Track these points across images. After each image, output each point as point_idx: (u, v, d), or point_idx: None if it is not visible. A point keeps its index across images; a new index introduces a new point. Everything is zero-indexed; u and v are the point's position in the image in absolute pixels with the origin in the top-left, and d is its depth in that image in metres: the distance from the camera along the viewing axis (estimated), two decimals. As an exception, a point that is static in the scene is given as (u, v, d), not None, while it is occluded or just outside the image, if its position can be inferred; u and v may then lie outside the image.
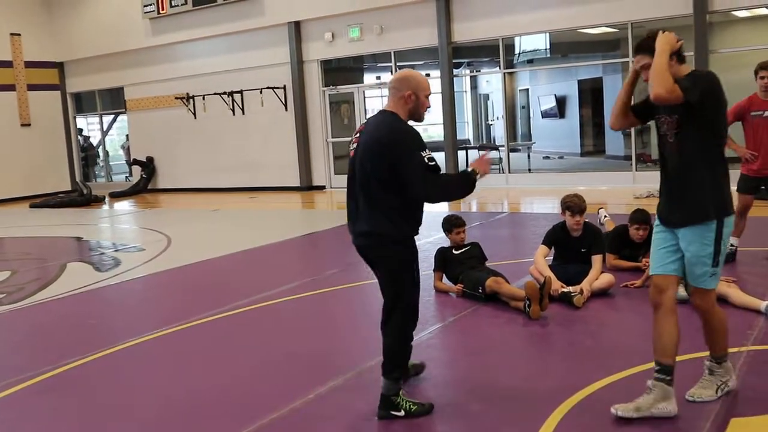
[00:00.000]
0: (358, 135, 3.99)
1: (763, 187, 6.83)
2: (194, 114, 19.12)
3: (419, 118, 3.95)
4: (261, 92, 17.65)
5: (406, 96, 3.83)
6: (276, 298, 6.73)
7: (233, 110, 18.39)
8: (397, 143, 3.74)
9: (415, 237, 4.00)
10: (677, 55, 3.62)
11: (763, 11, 13.46)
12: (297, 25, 17.09)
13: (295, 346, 5.33)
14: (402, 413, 3.89)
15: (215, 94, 18.40)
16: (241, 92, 18.11)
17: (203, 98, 18.74)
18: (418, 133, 3.83)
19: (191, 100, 19.00)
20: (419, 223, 3.99)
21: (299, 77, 17.25)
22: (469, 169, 3.91)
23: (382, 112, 3.94)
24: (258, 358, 5.12)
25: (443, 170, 3.87)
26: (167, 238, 11.09)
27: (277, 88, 17.51)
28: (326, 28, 16.79)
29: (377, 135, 3.81)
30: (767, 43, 13.41)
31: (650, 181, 12.83)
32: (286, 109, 17.60)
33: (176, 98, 19.17)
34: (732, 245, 6.93)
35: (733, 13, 13.51)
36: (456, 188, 4.01)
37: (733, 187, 4.24)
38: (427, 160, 3.71)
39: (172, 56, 19.21)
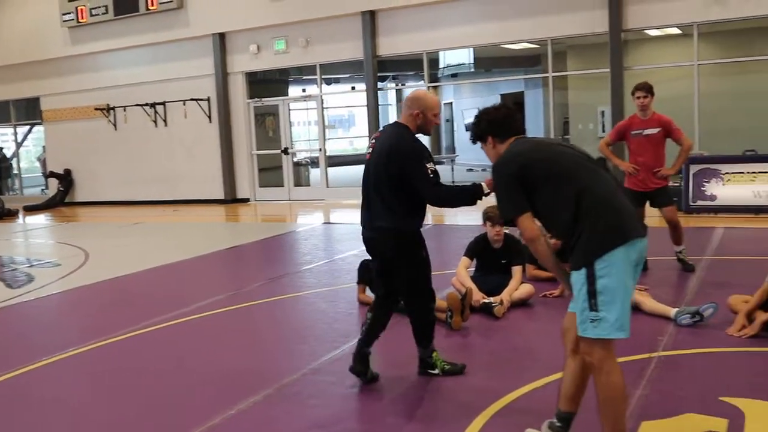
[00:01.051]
0: (374, 141, 4.51)
1: (648, 200, 7.13)
2: (114, 125, 18.68)
3: (426, 133, 4.47)
4: (185, 104, 17.39)
5: (415, 114, 4.35)
6: (197, 313, 6.61)
7: (155, 122, 18.05)
8: (406, 154, 4.25)
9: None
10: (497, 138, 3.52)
11: (673, 30, 14.04)
12: (222, 36, 16.92)
13: (215, 362, 5.24)
14: (437, 371, 4.57)
15: (137, 105, 18.04)
16: (164, 104, 17.79)
17: (124, 109, 18.33)
18: (424, 147, 4.31)
19: (112, 112, 18.57)
20: (423, 218, 4.46)
21: (224, 89, 17.07)
22: (480, 183, 4.27)
23: (396, 123, 4.47)
24: (177, 375, 5.02)
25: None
26: (85, 252, 10.78)
27: (201, 99, 17.28)
28: (251, 40, 16.67)
29: (389, 143, 4.34)
30: (677, 61, 14.02)
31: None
32: (210, 121, 17.38)
33: (96, 109, 18.70)
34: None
35: (646, 31, 14.04)
36: (459, 199, 4.38)
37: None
38: (430, 172, 4.19)
39: (92, 66, 18.74)
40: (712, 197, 10.96)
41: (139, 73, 18.01)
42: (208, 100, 17.29)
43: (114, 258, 10.43)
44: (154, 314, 6.58)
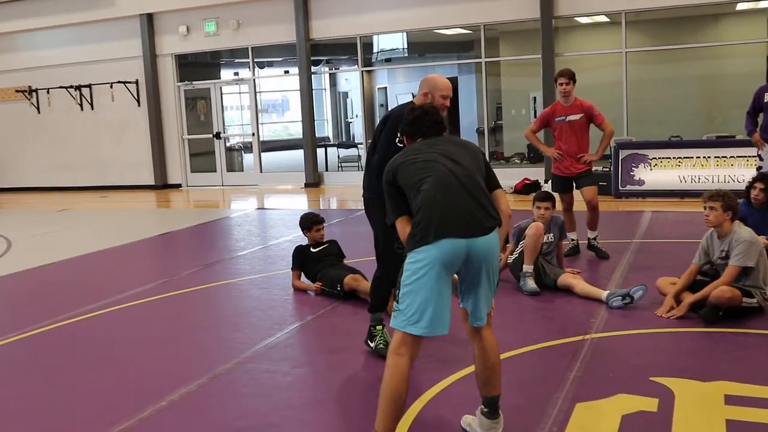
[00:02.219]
0: None
1: (574, 183, 7.27)
2: (38, 108, 18.00)
3: None
4: (111, 87, 16.88)
5: (423, 94, 4.45)
6: (126, 302, 6.42)
7: (81, 105, 17.47)
8: (385, 119, 4.58)
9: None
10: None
11: (602, 18, 14.31)
12: (150, 17, 16.46)
13: (146, 352, 5.10)
14: (372, 346, 4.65)
15: (61, 87, 17.42)
16: (89, 86, 17.23)
17: (48, 92, 17.68)
18: (397, 116, 4.24)
19: (34, 94, 17.89)
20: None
21: (152, 72, 16.63)
22: None
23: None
24: (105, 366, 4.86)
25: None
26: (6, 240, 10.38)
27: (129, 82, 16.80)
28: (181, 22, 16.27)
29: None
30: (606, 48, 14.30)
31: (503, 177, 13.31)
32: (138, 104, 16.93)
33: (17, 91, 17.98)
34: (572, 239, 7.33)
35: (576, 18, 14.26)
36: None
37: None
38: (398, 141, 4.22)
39: (12, 46, 18.01)
40: (641, 182, 11.23)
41: (63, 54, 17.39)
42: (137, 82, 16.82)
43: (38, 246, 10.07)
44: (81, 304, 6.36)
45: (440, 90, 4.44)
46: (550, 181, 12.75)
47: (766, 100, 7.21)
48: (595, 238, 7.21)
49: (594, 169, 7.66)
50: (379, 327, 4.71)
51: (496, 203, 3.46)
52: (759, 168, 7.30)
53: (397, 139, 4.26)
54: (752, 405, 3.68)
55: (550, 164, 13.32)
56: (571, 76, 7.07)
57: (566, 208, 7.34)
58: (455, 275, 3.31)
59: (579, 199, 7.33)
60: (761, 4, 13.74)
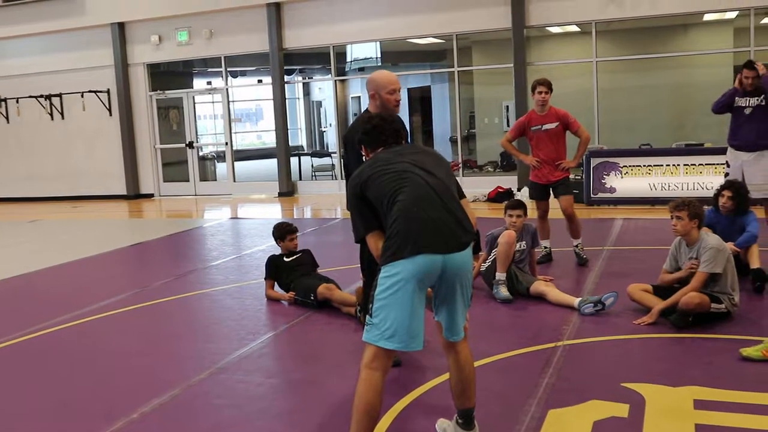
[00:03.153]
0: None
1: (551, 191, 7.32)
2: (7, 118, 17.78)
3: (392, 112, 4.35)
4: (83, 96, 16.72)
5: (371, 95, 4.40)
6: (97, 314, 6.36)
7: (52, 115, 17.28)
8: (344, 143, 4.53)
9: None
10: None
11: (573, 28, 14.48)
12: (121, 26, 16.35)
13: (117, 364, 5.05)
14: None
15: (31, 97, 17.21)
16: (60, 96, 17.05)
17: (17, 101, 17.45)
18: (352, 132, 4.24)
19: (3, 103, 17.66)
20: None
21: (124, 81, 16.51)
22: None
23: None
24: (74, 379, 4.80)
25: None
26: (-25, 252, 10.23)
27: (101, 92, 16.66)
28: (153, 31, 16.18)
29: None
30: (577, 58, 14.46)
31: (476, 185, 13.41)
32: (110, 114, 16.79)
33: (-14, 101, 17.76)
34: (545, 247, 7.39)
35: (547, 28, 14.41)
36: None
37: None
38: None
39: (-20, 55, 17.78)
40: (612, 189, 11.35)
41: (33, 64, 17.20)
42: (108, 92, 16.68)
43: (6, 257, 9.93)
44: (50, 316, 6.28)
45: (384, 87, 4.34)
46: (526, 189, 12.94)
47: (736, 105, 7.31)
48: (577, 245, 7.26)
49: (571, 177, 7.71)
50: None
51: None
52: (726, 175, 7.41)
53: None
54: (720, 409, 3.73)
55: (523, 172, 13.53)
56: (549, 85, 7.11)
57: (541, 216, 7.40)
58: (429, 289, 3.29)
59: (554, 207, 7.39)
60: (727, 15, 13.98)
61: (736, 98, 7.32)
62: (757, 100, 7.19)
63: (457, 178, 3.68)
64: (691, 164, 11.03)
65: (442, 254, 3.12)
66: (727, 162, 7.55)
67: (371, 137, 3.53)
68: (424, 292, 3.19)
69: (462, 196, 3.51)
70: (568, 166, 7.24)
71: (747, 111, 7.25)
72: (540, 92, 7.10)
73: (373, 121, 3.56)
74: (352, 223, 3.41)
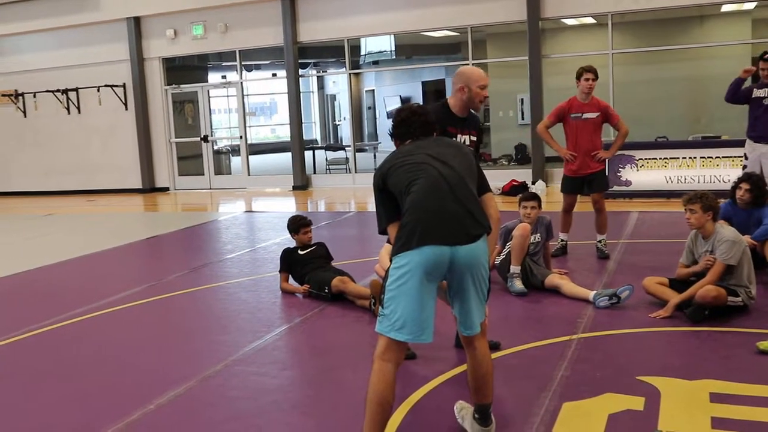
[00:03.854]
0: None
1: (585, 184, 7.24)
2: (24, 113, 17.91)
3: (475, 108, 4.48)
4: (98, 90, 16.80)
5: (459, 88, 4.35)
6: (113, 306, 6.40)
7: (68, 109, 17.39)
8: None
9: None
10: None
11: (589, 20, 14.38)
12: (137, 20, 16.41)
13: (133, 356, 5.08)
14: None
15: (48, 91, 17.34)
16: (76, 90, 17.15)
17: (34, 96, 17.58)
18: (436, 114, 4.10)
19: (20, 98, 17.79)
20: None
21: (140, 75, 16.58)
22: None
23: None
24: (92, 370, 4.84)
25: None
26: (-7, 245, 10.32)
27: (116, 86, 16.74)
28: (168, 25, 16.24)
29: None
30: (592, 50, 14.37)
31: (490, 179, 13.31)
32: (126, 108, 16.87)
33: (3, 95, 17.88)
34: (562, 240, 7.36)
35: (562, 20, 14.33)
36: None
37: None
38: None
39: (-2, 50, 17.92)
40: (627, 182, 11.28)
41: (50, 58, 17.31)
42: (124, 86, 16.76)
43: (24, 251, 10.01)
44: (67, 308, 6.33)
45: (476, 81, 4.32)
46: (540, 182, 12.90)
47: (754, 96, 7.24)
48: (601, 240, 7.22)
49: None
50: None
51: (485, 207, 3.43)
52: (744, 167, 7.35)
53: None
54: (737, 403, 3.70)
55: (538, 166, 13.47)
56: (596, 73, 7.00)
57: (566, 209, 7.32)
58: (444, 282, 3.27)
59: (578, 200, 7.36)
60: (745, 6, 13.85)
61: (755, 90, 7.25)
62: None
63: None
64: (708, 157, 10.94)
65: (449, 245, 3.11)
66: (745, 154, 7.49)
67: (400, 129, 3.55)
68: (434, 284, 3.18)
69: (486, 190, 3.52)
70: (604, 156, 7.16)
71: (766, 102, 7.19)
72: (587, 79, 6.97)
73: (402, 113, 3.56)
74: (376, 214, 3.43)
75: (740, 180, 6.31)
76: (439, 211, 3.15)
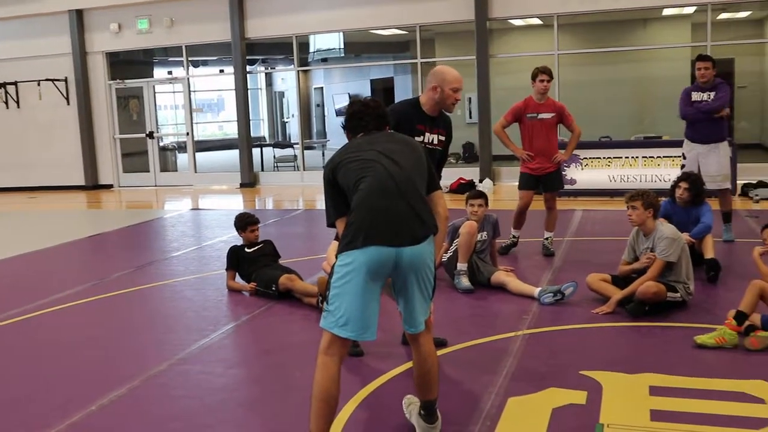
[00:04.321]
0: None
1: (540, 183, 7.36)
2: (-40, 106, 17.36)
3: (447, 109, 4.41)
4: (39, 84, 16.38)
5: (432, 87, 4.31)
6: (55, 305, 6.25)
7: (6, 103, 16.90)
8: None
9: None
10: None
11: (535, 21, 14.59)
12: (79, 13, 16.04)
13: (75, 356, 4.97)
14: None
15: (-16, 84, 16.84)
16: (15, 84, 16.68)
17: (-30, 89, 17.06)
18: (396, 113, 4.24)
19: (-43, 91, 17.24)
20: None
21: (82, 69, 16.21)
22: None
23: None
24: (31, 371, 4.72)
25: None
26: (-72, 243, 9.98)
27: (58, 80, 16.34)
28: (112, 19, 15.92)
29: None
30: (539, 50, 14.58)
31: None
32: (68, 103, 16.48)
33: (-62, 88, 17.31)
34: (514, 236, 7.45)
35: (510, 21, 14.50)
36: None
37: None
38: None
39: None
40: (572, 181, 11.48)
41: (-13, 51, 16.82)
42: (66, 80, 16.37)
43: (-39, 249, 9.70)
44: (5, 308, 6.15)
45: (450, 83, 4.27)
46: (488, 180, 13.03)
47: (693, 99, 7.42)
48: (548, 238, 7.33)
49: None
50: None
51: (434, 205, 3.43)
52: (683, 167, 7.54)
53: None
54: (675, 395, 3.81)
55: (485, 164, 13.61)
56: (551, 74, 7.12)
57: (522, 207, 7.38)
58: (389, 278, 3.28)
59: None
60: (685, 10, 14.22)
61: (692, 93, 7.44)
62: (710, 95, 7.32)
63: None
64: (650, 156, 11.21)
65: (394, 246, 3.11)
66: (683, 154, 7.69)
67: (352, 122, 3.51)
68: (378, 284, 3.18)
69: (436, 188, 3.51)
70: (561, 159, 7.29)
71: (702, 105, 7.36)
72: (542, 80, 7.09)
73: (354, 106, 3.53)
74: (325, 207, 3.42)
75: (680, 179, 6.49)
76: (385, 211, 3.15)
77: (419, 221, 3.21)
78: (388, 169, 3.23)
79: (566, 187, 11.34)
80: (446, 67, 4.40)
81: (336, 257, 3.20)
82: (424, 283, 3.26)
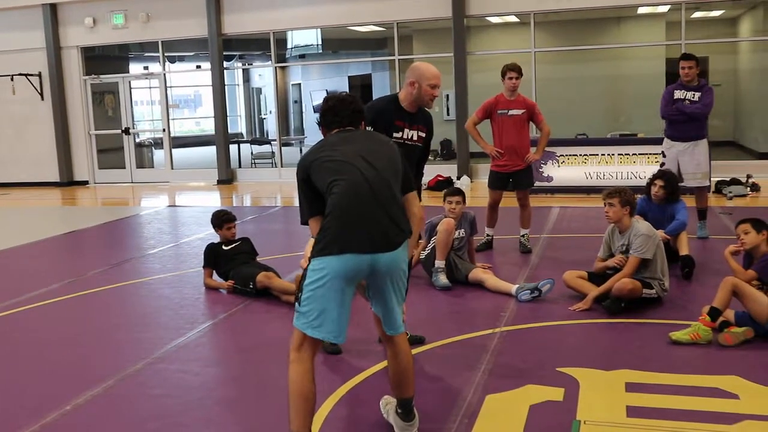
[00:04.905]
0: None
1: (510, 180, 7.39)
2: (-69, 102, 17.08)
3: (424, 105, 4.43)
4: (12, 79, 16.14)
5: (409, 82, 4.29)
6: (29, 303, 6.18)
7: (-21, 98, 16.67)
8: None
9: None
10: None
11: (512, 18, 14.65)
12: (53, 7, 15.84)
13: (50, 356, 4.92)
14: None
15: (-44, 79, 16.57)
16: (-13, 78, 16.46)
17: (-58, 84, 16.79)
18: (373, 109, 4.29)
19: (-73, 86, 16.95)
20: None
21: (57, 64, 16.01)
22: None
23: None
24: (5, 370, 4.66)
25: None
26: None
27: (32, 75, 16.11)
28: (87, 13, 15.73)
29: None
30: (516, 48, 14.64)
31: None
32: (42, 98, 16.26)
33: None
34: (488, 235, 7.48)
35: (487, 18, 14.54)
36: None
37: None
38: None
39: None
40: (549, 178, 11.55)
41: (-41, 45, 16.55)
42: (40, 75, 16.16)
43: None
44: (-20, 306, 6.08)
45: (428, 79, 4.25)
46: (465, 177, 13.07)
47: (675, 97, 7.47)
48: (524, 236, 7.36)
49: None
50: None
51: (409, 206, 3.42)
52: (662, 165, 7.60)
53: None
54: (650, 391, 3.85)
55: (463, 162, 13.64)
56: (520, 71, 7.14)
57: (492, 205, 7.43)
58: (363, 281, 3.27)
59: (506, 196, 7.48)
60: (659, 9, 14.34)
61: (675, 91, 7.47)
62: (694, 95, 7.37)
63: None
64: (625, 154, 11.29)
65: (369, 254, 3.11)
66: (663, 152, 7.75)
67: (327, 117, 3.46)
68: (352, 288, 3.19)
69: (409, 189, 3.48)
70: (533, 159, 7.32)
71: (686, 103, 7.39)
72: (510, 78, 7.12)
73: (330, 101, 3.49)
74: (299, 205, 3.41)
75: (655, 177, 6.55)
76: (360, 217, 3.12)
77: (394, 227, 3.19)
78: (363, 173, 3.19)
79: (543, 184, 11.46)
80: (424, 63, 4.39)
81: (309, 260, 3.18)
82: (398, 286, 3.28)
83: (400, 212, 3.27)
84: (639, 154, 11.16)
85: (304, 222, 3.38)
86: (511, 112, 7.19)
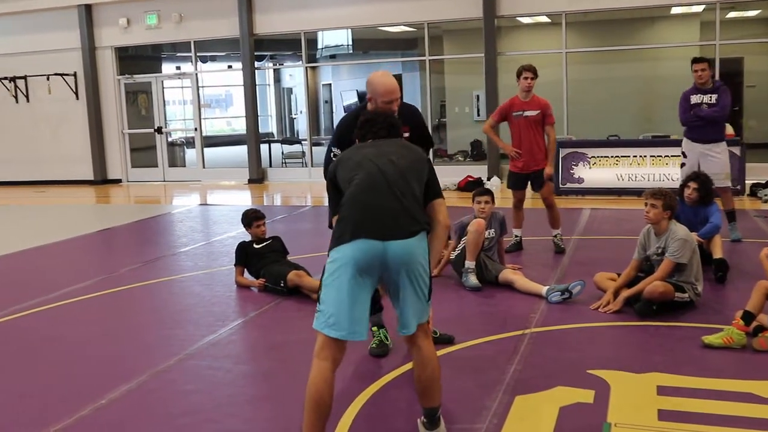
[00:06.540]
0: None
1: (529, 181, 7.37)
2: (-30, 100, 17.43)
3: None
4: (48, 79, 16.43)
5: (368, 98, 4.13)
6: (64, 300, 6.29)
7: (16, 97, 16.96)
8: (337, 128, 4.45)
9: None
10: None
11: (543, 19, 14.56)
12: (88, 8, 16.08)
13: (84, 350, 5.01)
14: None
15: (-5, 79, 16.90)
16: (25, 78, 16.73)
17: (-20, 84, 17.12)
18: (339, 125, 4.38)
19: (-34, 85, 17.30)
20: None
21: (91, 64, 16.25)
22: None
23: None
24: (42, 365, 4.75)
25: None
26: (-62, 236, 10.04)
27: (67, 75, 16.38)
28: (121, 14, 15.95)
29: None
30: (547, 48, 14.55)
31: (446, 175, 13.45)
32: (77, 97, 16.53)
33: (-52, 82, 17.38)
34: (516, 235, 7.46)
35: (518, 19, 14.47)
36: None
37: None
38: (332, 154, 4.26)
39: (-58, 36, 17.38)
40: (580, 180, 11.47)
41: (-3, 45, 16.88)
42: (75, 75, 16.42)
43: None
44: (15, 302, 6.20)
45: (381, 95, 4.00)
46: (496, 178, 13.03)
47: (692, 102, 7.45)
48: (556, 236, 7.33)
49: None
50: (374, 328, 4.56)
51: (434, 213, 3.38)
52: (683, 165, 7.59)
53: (332, 153, 4.29)
54: (682, 395, 3.81)
55: (493, 162, 13.59)
56: (535, 72, 7.17)
57: (516, 205, 7.44)
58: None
59: (529, 197, 7.43)
60: (694, 9, 14.16)
61: (691, 96, 7.47)
62: (711, 98, 7.34)
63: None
64: (658, 155, 11.18)
65: (381, 240, 3.08)
66: (683, 152, 7.70)
67: (362, 130, 3.55)
68: (367, 280, 3.12)
69: (436, 196, 3.42)
70: (549, 173, 7.28)
71: (703, 107, 7.40)
72: (526, 78, 7.14)
73: (366, 115, 3.60)
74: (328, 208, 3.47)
75: (689, 179, 6.48)
76: (373, 205, 3.14)
77: (408, 216, 3.16)
78: (380, 167, 3.23)
79: (574, 185, 11.38)
80: (378, 77, 4.07)
81: (328, 254, 3.18)
82: (417, 282, 3.17)
83: (417, 206, 3.25)
84: (671, 155, 11.01)
85: (330, 224, 3.42)
86: (526, 114, 7.19)
